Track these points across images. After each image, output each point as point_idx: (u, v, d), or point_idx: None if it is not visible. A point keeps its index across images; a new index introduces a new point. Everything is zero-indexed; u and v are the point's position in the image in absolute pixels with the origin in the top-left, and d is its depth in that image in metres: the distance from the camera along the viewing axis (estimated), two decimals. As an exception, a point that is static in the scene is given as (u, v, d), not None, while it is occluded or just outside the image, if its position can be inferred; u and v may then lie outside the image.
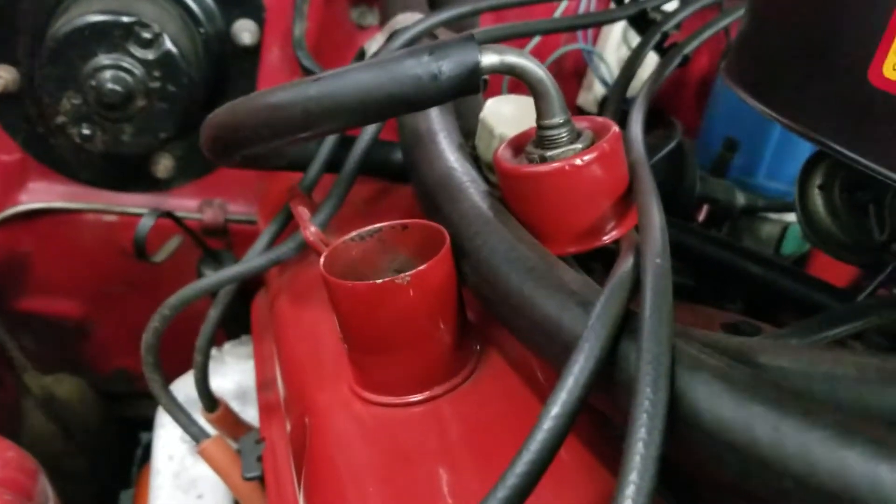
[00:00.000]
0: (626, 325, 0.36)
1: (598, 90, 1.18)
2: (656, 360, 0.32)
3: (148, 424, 1.56)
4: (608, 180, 0.49)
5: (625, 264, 0.40)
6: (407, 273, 0.46)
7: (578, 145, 0.50)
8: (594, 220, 0.49)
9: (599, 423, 0.41)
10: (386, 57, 0.49)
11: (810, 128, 0.47)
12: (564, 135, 0.50)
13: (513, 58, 0.48)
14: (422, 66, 0.48)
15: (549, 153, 0.50)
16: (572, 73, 1.22)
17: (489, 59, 0.48)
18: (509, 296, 0.44)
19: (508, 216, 0.51)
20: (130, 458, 1.60)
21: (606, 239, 0.49)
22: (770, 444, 0.29)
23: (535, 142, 0.51)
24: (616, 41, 1.14)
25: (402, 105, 0.49)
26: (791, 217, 1.01)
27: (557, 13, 1.09)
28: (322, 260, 0.49)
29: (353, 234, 0.52)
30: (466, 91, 0.49)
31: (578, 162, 0.48)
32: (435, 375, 0.50)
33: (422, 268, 0.46)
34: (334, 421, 0.52)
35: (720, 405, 0.31)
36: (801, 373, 0.34)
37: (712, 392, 0.31)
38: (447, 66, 0.47)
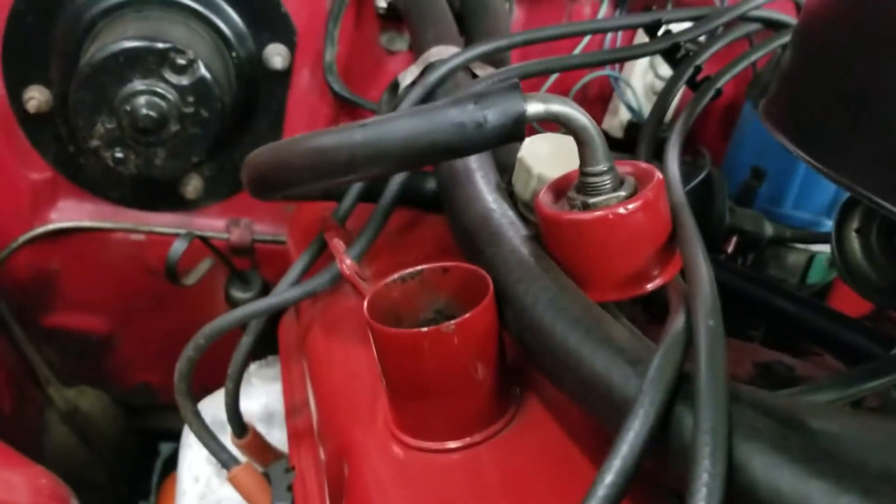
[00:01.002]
0: (679, 387, 0.36)
1: (624, 115, 1.18)
2: (714, 430, 0.32)
3: (168, 436, 1.58)
4: (652, 228, 0.49)
5: (676, 323, 0.40)
6: (452, 322, 0.46)
7: (622, 193, 0.50)
8: (637, 268, 0.49)
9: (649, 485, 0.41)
10: (430, 105, 0.50)
11: (851, 179, 0.47)
12: (608, 182, 0.50)
13: (557, 106, 0.49)
14: (467, 115, 0.48)
15: (592, 200, 0.50)
16: (598, 98, 1.22)
17: (534, 107, 0.48)
18: (554, 348, 0.44)
19: (550, 262, 0.51)
20: (150, 468, 1.61)
21: (650, 287, 0.49)
22: (828, 520, 0.29)
23: (577, 187, 0.51)
24: (643, 68, 1.14)
25: (446, 153, 0.49)
26: (817, 247, 1.00)
27: (583, 44, 1.09)
28: (365, 304, 0.50)
29: (395, 276, 0.52)
30: (511, 139, 0.49)
31: (622, 211, 0.48)
32: (475, 422, 0.50)
33: (467, 315, 0.47)
34: (373, 465, 0.52)
35: (778, 478, 0.31)
36: (855, 441, 0.34)
37: (770, 465, 0.31)
38: (492, 115, 0.48)
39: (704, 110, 0.98)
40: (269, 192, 0.59)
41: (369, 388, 0.59)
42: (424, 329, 0.47)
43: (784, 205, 1.03)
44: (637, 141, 0.75)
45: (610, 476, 0.33)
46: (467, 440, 0.50)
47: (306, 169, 0.53)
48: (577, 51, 1.11)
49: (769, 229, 0.96)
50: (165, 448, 1.63)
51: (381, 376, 0.51)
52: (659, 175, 0.50)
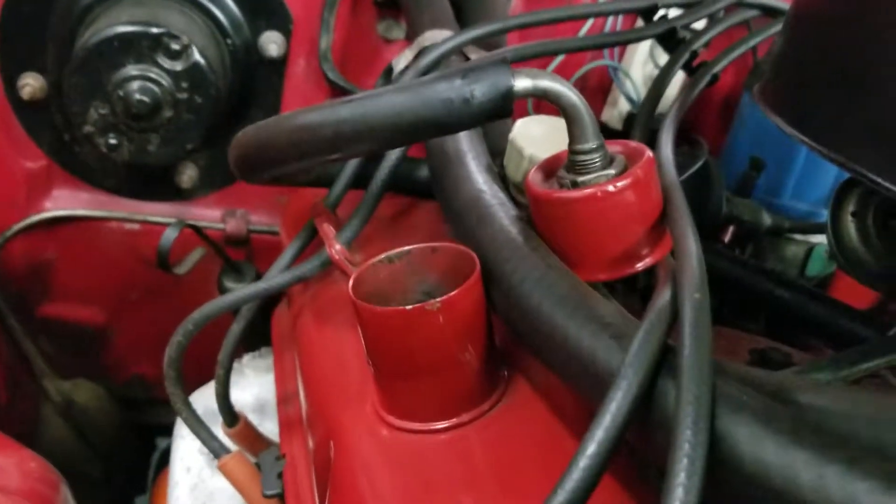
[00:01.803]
0: (663, 360, 0.36)
1: (624, 106, 1.18)
2: (697, 401, 0.31)
3: (164, 430, 1.57)
4: (641, 207, 0.49)
5: (662, 297, 0.39)
6: (437, 299, 0.45)
7: (611, 171, 0.49)
8: (627, 247, 0.49)
9: (633, 458, 0.40)
10: (418, 80, 0.49)
11: (848, 157, 0.47)
12: (597, 160, 0.49)
13: (546, 82, 0.48)
14: (454, 90, 0.47)
15: (581, 178, 0.49)
16: (597, 89, 1.21)
17: (522, 83, 0.48)
18: (540, 325, 0.43)
19: (539, 242, 0.50)
20: (146, 463, 1.61)
21: (640, 266, 0.49)
22: (813, 491, 0.29)
23: (567, 166, 0.51)
24: (643, 58, 1.13)
25: (433, 129, 0.49)
26: (816, 238, 0.99)
27: (584, 30, 1.08)
28: (350, 283, 0.49)
29: (382, 256, 0.52)
30: (499, 115, 0.48)
31: (611, 188, 0.48)
32: (462, 402, 0.49)
33: (452, 294, 0.46)
34: (359, 446, 0.51)
35: (762, 449, 0.30)
36: (844, 414, 0.33)
37: (754, 435, 0.31)
38: (480, 90, 0.47)
39: (703, 100, 0.98)
40: (255, 171, 0.58)
41: (357, 372, 0.58)
42: (409, 307, 0.46)
43: (783, 195, 1.02)
44: (631, 126, 0.74)
45: (592, 447, 0.33)
46: (454, 420, 0.49)
47: (292, 146, 0.53)
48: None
49: (767, 220, 0.95)
50: (162, 443, 1.62)
51: (367, 357, 0.51)
52: (649, 153, 0.50)
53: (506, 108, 0.48)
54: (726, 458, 0.31)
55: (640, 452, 0.39)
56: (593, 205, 0.48)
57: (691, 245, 0.42)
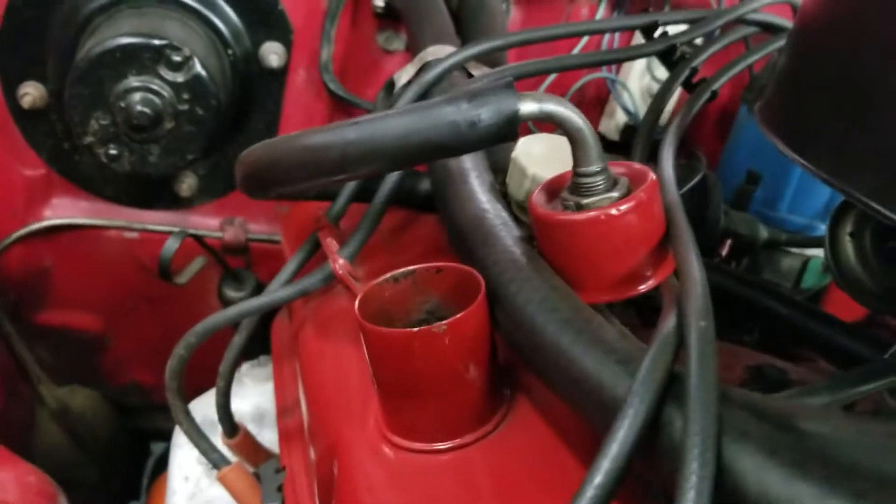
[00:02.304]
0: (669, 388, 0.36)
1: (621, 118, 1.18)
2: (703, 432, 0.32)
3: (159, 435, 1.57)
4: (644, 229, 0.49)
5: (667, 324, 0.39)
6: (443, 322, 0.46)
7: (615, 194, 0.49)
8: (630, 269, 0.49)
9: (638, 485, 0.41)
10: (424, 102, 0.49)
11: (847, 183, 0.47)
12: (601, 183, 0.50)
13: (552, 106, 0.48)
14: (460, 114, 0.48)
15: (585, 201, 0.50)
16: (594, 100, 1.22)
17: (528, 106, 0.48)
18: (545, 348, 0.44)
19: (542, 263, 0.51)
20: (141, 468, 1.61)
21: (643, 288, 0.49)
22: (817, 524, 0.29)
23: (570, 188, 0.51)
24: (639, 70, 1.14)
25: (439, 151, 0.49)
26: (811, 251, 1.00)
27: (580, 45, 1.09)
28: (356, 303, 0.49)
29: (388, 275, 0.52)
30: (504, 139, 0.49)
31: (614, 212, 0.48)
32: (465, 423, 0.50)
33: (458, 316, 0.46)
34: (363, 465, 0.52)
35: (767, 481, 0.31)
36: (848, 444, 0.34)
37: (759, 466, 0.31)
38: (486, 113, 0.48)
39: (700, 113, 0.99)
40: (261, 190, 0.58)
41: (360, 388, 0.59)
42: (415, 329, 0.46)
43: (779, 209, 1.03)
44: (632, 143, 0.75)
45: (599, 476, 0.33)
46: (457, 441, 0.50)
47: (299, 167, 0.53)
48: (574, 52, 1.11)
49: (764, 233, 0.96)
50: (157, 448, 1.62)
51: (372, 376, 0.51)
52: (652, 176, 0.50)
53: (511, 131, 0.48)
54: (732, 489, 0.32)
55: (644, 476, 0.39)
56: (597, 227, 0.48)
57: (695, 270, 0.43)
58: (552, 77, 1.12)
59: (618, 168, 0.52)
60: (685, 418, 0.33)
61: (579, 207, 0.50)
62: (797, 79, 0.54)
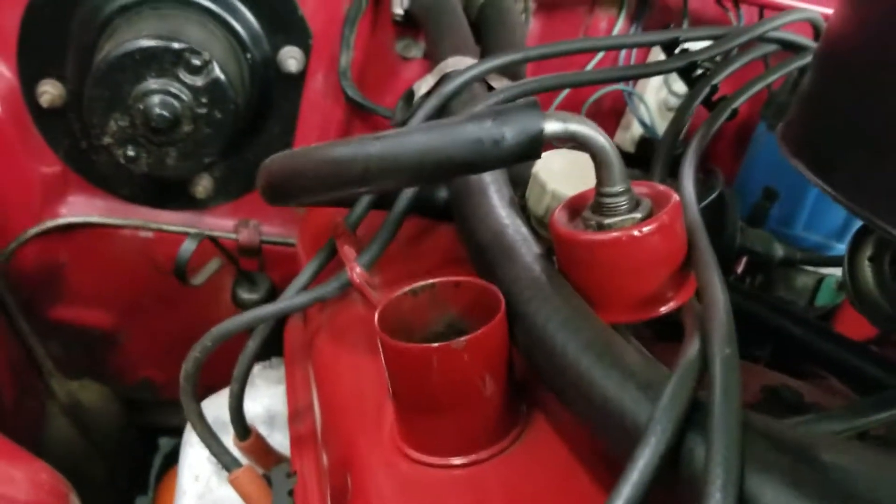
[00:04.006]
0: (692, 416, 0.36)
1: (637, 130, 1.18)
2: (726, 462, 0.32)
3: (168, 431, 1.58)
4: (667, 251, 0.49)
5: (690, 349, 0.39)
6: (463, 338, 0.46)
7: (637, 215, 0.49)
8: (651, 290, 0.49)
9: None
10: (448, 119, 0.50)
11: (871, 212, 0.47)
12: (624, 203, 0.50)
13: (576, 126, 0.48)
14: (484, 131, 0.48)
15: (608, 221, 0.50)
16: (610, 112, 1.22)
17: (552, 126, 0.48)
18: (565, 369, 0.44)
19: (563, 282, 0.51)
20: (149, 463, 1.61)
21: (664, 310, 0.49)
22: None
23: (593, 207, 0.51)
24: (657, 83, 1.14)
25: (462, 168, 0.49)
26: (826, 270, 1.00)
27: (596, 59, 1.09)
28: (376, 317, 0.50)
29: (407, 289, 0.52)
30: (528, 157, 0.49)
31: (637, 233, 0.48)
32: (481, 439, 0.50)
33: (478, 333, 0.46)
34: (378, 478, 0.52)
35: (790, 514, 0.31)
36: (868, 476, 0.34)
37: (782, 499, 0.31)
38: (510, 132, 0.48)
39: (718, 130, 0.99)
40: (283, 199, 0.59)
41: (375, 398, 0.59)
42: (435, 345, 0.46)
43: (795, 226, 1.03)
44: (652, 159, 0.75)
45: (620, 502, 0.33)
46: (473, 457, 0.50)
47: (321, 179, 0.53)
48: (590, 66, 1.11)
49: (779, 251, 0.95)
50: (165, 443, 1.63)
51: (389, 389, 0.51)
52: (675, 197, 0.50)
53: (535, 150, 0.48)
54: (753, 521, 0.32)
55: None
56: (618, 248, 0.48)
57: (719, 294, 0.43)
58: (567, 90, 1.12)
59: (641, 188, 0.52)
60: (708, 448, 0.33)
61: (601, 227, 0.50)
62: (821, 102, 0.54)
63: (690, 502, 0.33)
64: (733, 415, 0.34)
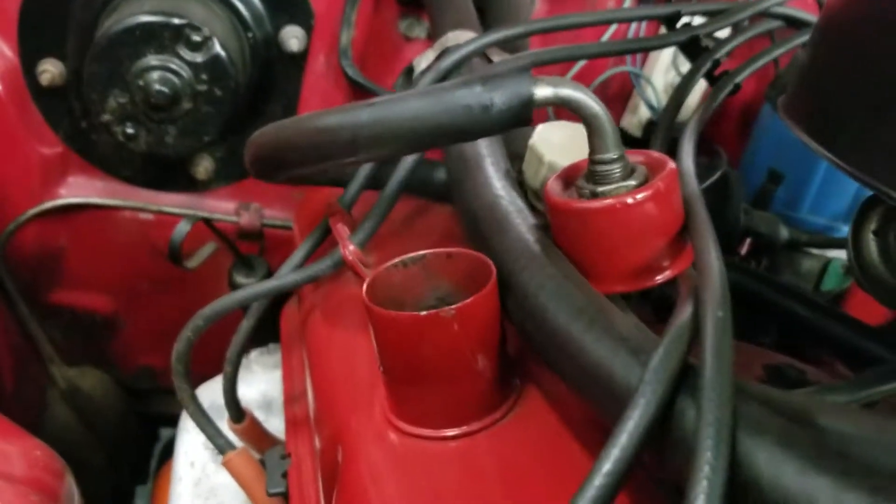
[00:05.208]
0: (683, 378, 0.35)
1: (644, 113, 1.17)
2: (718, 422, 0.31)
3: (168, 420, 1.57)
4: (661, 219, 0.48)
5: (683, 313, 0.38)
6: (452, 307, 0.45)
7: (632, 182, 0.48)
8: (646, 259, 0.48)
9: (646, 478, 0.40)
10: (438, 86, 0.49)
11: (874, 176, 0.46)
12: (618, 170, 0.48)
13: (567, 91, 0.47)
14: (474, 97, 0.47)
15: (601, 189, 0.48)
16: (618, 95, 1.21)
17: (543, 91, 0.47)
18: (556, 336, 0.43)
19: (556, 251, 0.50)
20: (149, 452, 1.61)
21: (660, 279, 0.48)
22: (833, 519, 0.28)
23: (586, 176, 0.50)
24: (665, 65, 1.13)
25: (452, 135, 0.48)
26: (833, 253, 0.99)
27: (606, 36, 1.08)
28: (364, 287, 0.49)
29: (397, 260, 0.51)
30: (519, 123, 0.48)
31: (630, 200, 0.47)
32: (473, 410, 0.49)
33: (467, 301, 0.45)
34: (368, 451, 0.51)
35: (783, 473, 0.30)
36: (865, 440, 0.32)
37: (775, 459, 0.30)
38: (500, 97, 0.47)
39: (723, 110, 0.97)
40: (271, 172, 0.58)
41: (367, 375, 0.58)
42: (423, 313, 0.45)
43: (801, 209, 1.01)
44: (652, 134, 0.74)
45: (608, 465, 0.32)
46: (464, 428, 0.49)
47: (310, 148, 0.52)
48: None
49: (784, 233, 0.94)
50: (166, 433, 1.62)
51: (379, 361, 0.50)
52: (671, 165, 0.49)
53: (526, 116, 0.47)
54: (745, 482, 0.31)
55: (653, 469, 0.38)
56: (612, 216, 0.47)
57: (713, 260, 0.42)
58: (574, 70, 1.11)
59: (636, 156, 0.51)
60: (699, 408, 0.32)
61: (595, 195, 0.48)
62: (821, 71, 0.53)
63: (682, 466, 0.32)
64: (725, 374, 0.33)
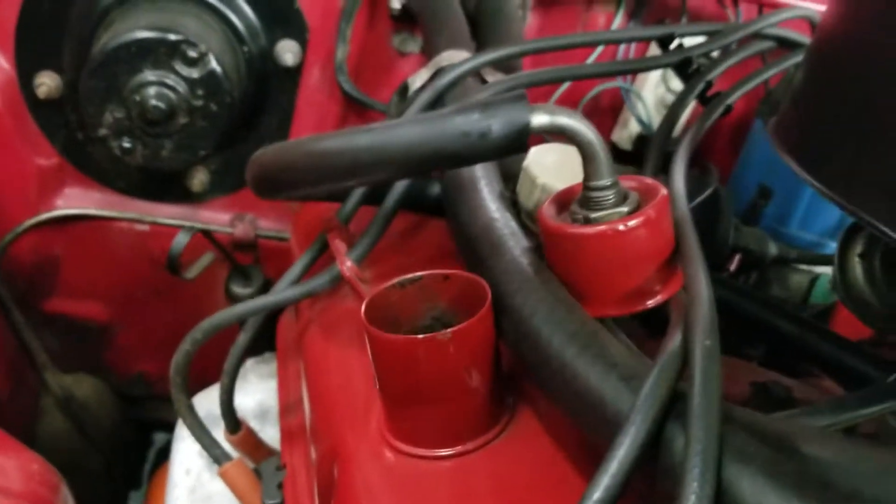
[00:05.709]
0: (672, 406, 0.36)
1: (634, 128, 1.18)
2: (704, 452, 0.32)
3: (163, 426, 1.57)
4: (653, 245, 0.49)
5: (673, 342, 0.39)
6: (448, 330, 0.46)
7: (624, 209, 0.49)
8: (638, 284, 0.49)
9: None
10: (436, 112, 0.50)
11: (859, 206, 0.47)
12: (611, 197, 0.50)
13: (563, 119, 0.48)
14: (471, 124, 0.48)
15: (594, 215, 0.49)
16: (608, 109, 1.22)
17: (539, 119, 0.48)
18: (549, 360, 0.44)
19: (550, 275, 0.51)
20: (143, 458, 1.61)
21: (650, 303, 0.49)
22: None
23: (580, 201, 0.51)
24: (654, 80, 1.14)
25: (449, 161, 0.49)
26: (820, 269, 1.00)
27: (595, 54, 1.09)
28: (363, 308, 0.50)
29: (395, 281, 0.52)
30: (515, 150, 0.49)
31: (622, 227, 0.48)
32: (467, 430, 0.50)
33: (464, 325, 0.46)
34: (364, 469, 0.52)
35: (766, 503, 0.31)
36: (847, 469, 0.34)
37: (759, 489, 0.31)
38: (497, 125, 0.48)
39: (714, 126, 0.99)
40: (272, 191, 0.59)
41: (364, 391, 0.59)
42: (420, 336, 0.46)
43: (790, 225, 1.03)
44: (644, 154, 0.75)
45: (598, 492, 0.33)
46: (459, 448, 0.50)
47: (310, 171, 0.53)
48: (589, 61, 1.11)
49: (773, 249, 0.95)
50: (159, 438, 1.63)
51: (376, 380, 0.51)
52: (663, 191, 0.50)
53: (522, 143, 0.48)
54: (729, 511, 0.32)
55: (644, 493, 0.39)
56: (605, 242, 0.48)
57: (703, 288, 0.43)
58: (566, 85, 1.12)
59: (629, 182, 0.52)
60: (687, 437, 0.33)
61: (588, 221, 0.50)
62: (812, 98, 0.54)
63: (670, 493, 0.33)
64: (712, 405, 0.34)
